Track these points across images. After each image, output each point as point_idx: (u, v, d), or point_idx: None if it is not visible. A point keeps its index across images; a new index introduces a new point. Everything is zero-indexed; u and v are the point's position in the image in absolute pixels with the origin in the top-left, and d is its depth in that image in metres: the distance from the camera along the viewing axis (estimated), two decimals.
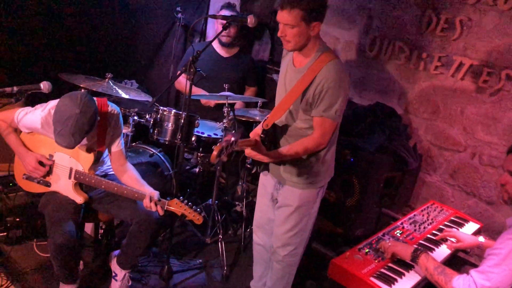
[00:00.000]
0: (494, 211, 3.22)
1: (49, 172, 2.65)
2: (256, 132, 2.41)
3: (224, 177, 4.03)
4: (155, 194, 2.53)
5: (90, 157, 2.59)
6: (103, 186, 2.59)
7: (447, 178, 3.46)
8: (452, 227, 2.76)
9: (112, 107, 2.63)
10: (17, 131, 2.67)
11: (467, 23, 3.22)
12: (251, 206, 3.53)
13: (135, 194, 2.54)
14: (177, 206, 2.52)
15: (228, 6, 3.95)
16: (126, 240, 2.68)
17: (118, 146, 2.70)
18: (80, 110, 2.28)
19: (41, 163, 2.62)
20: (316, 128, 2.35)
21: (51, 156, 2.64)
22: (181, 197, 2.53)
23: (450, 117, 3.40)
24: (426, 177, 3.59)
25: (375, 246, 2.39)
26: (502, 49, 3.08)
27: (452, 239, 2.55)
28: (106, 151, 2.76)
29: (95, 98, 2.51)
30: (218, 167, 3.35)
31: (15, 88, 2.31)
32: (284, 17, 2.20)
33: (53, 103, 2.51)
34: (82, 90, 3.05)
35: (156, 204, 2.49)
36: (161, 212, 2.51)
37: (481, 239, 2.47)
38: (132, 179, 2.67)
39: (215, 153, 1.91)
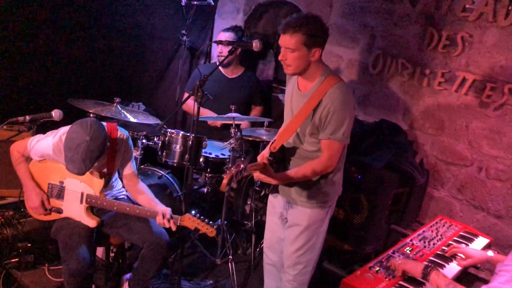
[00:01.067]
0: (504, 225, 3.22)
1: (61, 199, 2.69)
2: (263, 155, 2.44)
3: (233, 196, 4.05)
4: (168, 211, 2.56)
5: (100, 181, 2.63)
6: (115, 208, 2.62)
7: (455, 192, 3.47)
8: (461, 242, 2.75)
9: (122, 132, 2.68)
10: (27, 159, 2.71)
11: (468, 40, 3.26)
12: (260, 225, 3.55)
13: (148, 213, 2.58)
14: (189, 221, 2.55)
15: (232, 28, 4.01)
16: (137, 263, 2.70)
17: (130, 168, 2.75)
18: (90, 137, 2.33)
19: (43, 205, 2.66)
20: (324, 151, 2.38)
21: (61, 182, 2.67)
22: (192, 212, 2.56)
23: (455, 132, 3.42)
24: (434, 192, 3.60)
25: (386, 264, 2.39)
26: (504, 64, 3.12)
27: (461, 255, 2.55)
28: (116, 175, 2.80)
29: (104, 123, 2.56)
30: (228, 187, 3.37)
31: (27, 117, 2.37)
32: (285, 41, 2.25)
33: (63, 129, 2.56)
34: (92, 116, 3.11)
35: (169, 221, 2.53)
36: (174, 228, 2.55)
37: (490, 253, 2.46)
38: (147, 199, 2.71)
39: (225, 181, 1.95)
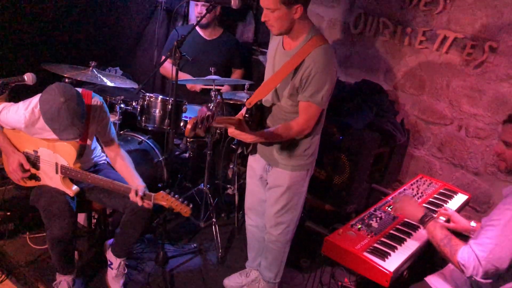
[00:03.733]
0: (482, 182, 3.29)
1: (36, 167, 2.63)
2: (241, 113, 2.41)
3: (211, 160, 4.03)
4: (141, 188, 2.46)
5: (73, 151, 2.53)
6: (89, 181, 2.55)
7: (435, 151, 3.51)
8: (441, 199, 2.81)
9: (96, 99, 2.58)
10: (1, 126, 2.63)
11: None
12: (242, 189, 3.55)
13: (121, 188, 2.50)
14: (163, 200, 2.45)
15: None
16: (119, 229, 2.68)
17: (108, 135, 2.68)
18: (64, 97, 2.25)
19: (22, 167, 2.59)
20: (302, 113, 2.35)
21: (35, 152, 2.60)
22: (167, 190, 2.47)
23: (436, 91, 3.43)
24: (414, 151, 3.64)
25: (367, 222, 2.43)
26: (484, 21, 3.10)
27: (443, 218, 2.57)
28: (94, 142, 2.74)
29: (80, 90, 2.49)
30: (209, 152, 3.34)
31: None
32: (264, 1, 2.20)
33: (35, 100, 2.44)
34: (67, 81, 3.01)
35: (142, 198, 2.44)
36: (147, 206, 2.46)
37: (472, 223, 2.48)
38: (124, 168, 2.66)
39: (189, 126, 1.93)
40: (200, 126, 1.95)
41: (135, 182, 2.55)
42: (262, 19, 2.26)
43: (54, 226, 2.45)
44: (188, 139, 3.53)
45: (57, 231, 2.44)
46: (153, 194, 2.45)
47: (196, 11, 3.86)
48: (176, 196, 2.46)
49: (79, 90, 2.51)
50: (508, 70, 3.05)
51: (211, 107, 2.04)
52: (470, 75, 3.23)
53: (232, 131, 2.22)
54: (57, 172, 2.58)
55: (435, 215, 2.18)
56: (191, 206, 2.47)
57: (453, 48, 3.27)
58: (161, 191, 2.46)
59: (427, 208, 2.65)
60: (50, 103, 2.26)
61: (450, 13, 3.25)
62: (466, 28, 3.19)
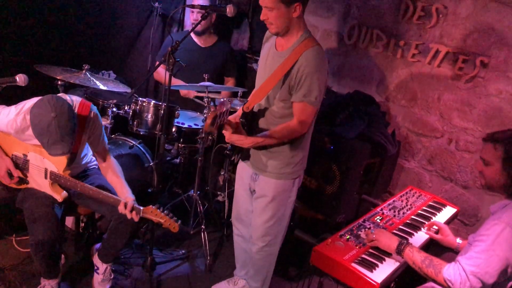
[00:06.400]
0: (470, 195, 3.31)
1: (25, 170, 2.60)
2: (234, 118, 2.40)
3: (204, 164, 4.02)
4: (130, 201, 2.43)
5: (63, 158, 2.49)
6: (78, 189, 2.51)
7: (425, 163, 3.53)
8: (430, 211, 2.82)
9: (93, 111, 2.56)
10: None
11: (443, 11, 3.27)
12: (232, 196, 3.54)
13: (111, 200, 2.46)
14: (152, 214, 2.41)
15: None
16: (106, 235, 2.66)
17: (100, 144, 2.65)
18: (55, 113, 2.21)
19: (10, 174, 2.55)
20: (297, 114, 2.35)
21: (25, 155, 2.57)
22: (156, 204, 2.43)
23: (427, 104, 3.46)
24: (404, 163, 3.66)
25: (356, 232, 2.43)
26: (476, 36, 3.14)
27: (435, 228, 2.59)
28: (86, 149, 2.71)
29: (78, 100, 2.48)
30: (200, 158, 3.34)
31: None
32: (263, 0, 2.21)
33: (28, 105, 2.41)
34: (59, 83, 3.00)
35: (131, 212, 2.40)
36: (136, 219, 2.43)
37: (458, 240, 2.50)
38: (114, 178, 2.63)
39: (208, 121, 1.89)
40: (218, 121, 1.92)
41: (125, 194, 2.52)
42: (261, 18, 2.27)
43: (36, 230, 2.41)
44: (180, 144, 3.52)
45: (40, 235, 2.41)
46: (142, 208, 2.42)
47: (191, 18, 3.88)
48: (165, 211, 2.42)
49: (79, 100, 2.50)
50: (498, 85, 3.09)
51: (226, 102, 2.00)
52: (461, 89, 3.26)
53: (229, 136, 2.20)
54: (46, 178, 2.54)
55: (409, 241, 2.21)
56: (179, 222, 2.43)
57: (445, 62, 3.30)
58: (150, 206, 2.42)
59: (413, 220, 2.67)
60: (40, 117, 2.22)
61: (443, 27, 3.29)
62: (458, 43, 3.23)
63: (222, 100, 2.00)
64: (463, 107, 3.27)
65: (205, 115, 3.20)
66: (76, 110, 2.47)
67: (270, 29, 2.31)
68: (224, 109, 1.94)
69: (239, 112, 2.45)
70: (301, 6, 2.23)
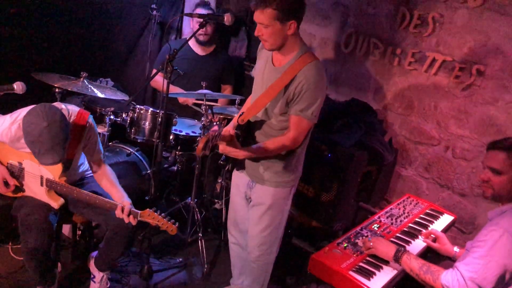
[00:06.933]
0: (467, 203, 3.31)
1: (21, 178, 2.59)
2: (227, 129, 2.40)
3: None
4: (127, 205, 2.42)
5: (59, 166, 2.47)
6: (75, 195, 2.50)
7: (422, 171, 3.54)
8: (427, 219, 2.82)
9: (90, 121, 2.56)
10: None
11: (439, 20, 3.29)
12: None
13: (107, 205, 2.45)
14: (150, 218, 2.41)
15: (204, 4, 3.93)
16: (102, 244, 2.66)
17: (96, 153, 2.65)
18: (47, 122, 2.19)
19: (5, 182, 2.54)
20: (292, 127, 2.36)
21: (20, 163, 2.56)
22: (153, 208, 2.43)
23: (424, 112, 3.47)
24: (401, 171, 3.67)
25: (354, 240, 2.43)
26: (472, 45, 3.16)
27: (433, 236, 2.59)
28: (82, 157, 2.70)
29: (76, 109, 2.48)
30: (198, 165, 3.34)
31: None
32: (258, 16, 2.21)
33: (23, 114, 2.37)
34: (57, 90, 3.00)
35: (128, 215, 2.40)
36: (133, 223, 2.42)
37: (455, 249, 2.50)
38: (109, 185, 2.63)
39: (200, 146, 1.89)
40: (210, 144, 1.92)
41: (121, 199, 2.51)
42: (256, 34, 2.27)
43: (29, 237, 2.41)
44: (177, 152, 3.52)
45: (32, 243, 2.40)
46: (139, 211, 2.41)
47: (191, 25, 3.90)
48: (163, 214, 2.42)
49: (76, 109, 2.50)
50: (494, 93, 3.10)
51: (218, 124, 2.01)
52: (458, 97, 3.28)
53: (224, 148, 2.20)
54: (42, 185, 2.53)
55: (407, 249, 2.21)
56: (177, 225, 2.44)
57: (442, 70, 3.32)
58: (147, 209, 2.42)
59: (410, 228, 2.67)
60: (32, 126, 2.20)
61: (439, 36, 3.31)
62: (455, 51, 3.24)
63: (215, 124, 2.01)
64: (459, 115, 3.29)
65: (202, 123, 3.20)
66: (74, 119, 2.47)
67: (265, 45, 2.31)
68: (218, 131, 1.94)
69: (234, 122, 2.45)
70: (296, 24, 2.24)
